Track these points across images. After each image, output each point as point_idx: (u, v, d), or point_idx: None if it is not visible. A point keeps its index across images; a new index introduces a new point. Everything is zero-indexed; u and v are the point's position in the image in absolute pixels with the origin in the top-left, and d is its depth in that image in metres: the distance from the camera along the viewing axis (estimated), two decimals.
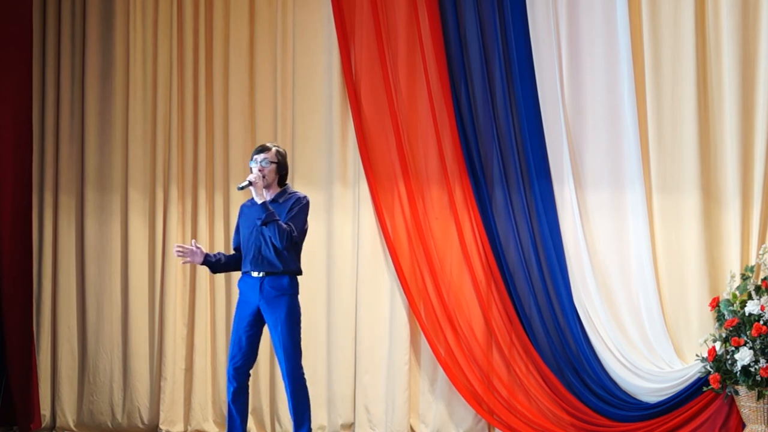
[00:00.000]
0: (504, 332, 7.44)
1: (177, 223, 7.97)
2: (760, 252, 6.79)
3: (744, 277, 6.78)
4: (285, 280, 6.27)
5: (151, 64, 8.02)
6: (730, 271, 6.87)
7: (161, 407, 7.86)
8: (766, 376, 6.47)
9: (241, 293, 6.40)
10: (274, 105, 7.94)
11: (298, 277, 6.38)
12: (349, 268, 7.72)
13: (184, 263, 6.53)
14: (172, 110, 7.99)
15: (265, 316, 6.29)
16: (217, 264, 6.49)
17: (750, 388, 6.55)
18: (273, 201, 6.30)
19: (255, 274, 6.29)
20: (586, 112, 7.38)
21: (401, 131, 7.66)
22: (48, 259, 7.97)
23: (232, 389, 6.36)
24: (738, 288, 6.76)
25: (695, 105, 7.07)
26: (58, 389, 7.96)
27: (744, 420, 6.69)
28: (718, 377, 6.62)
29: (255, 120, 7.98)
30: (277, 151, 6.37)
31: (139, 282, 7.95)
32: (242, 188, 6.26)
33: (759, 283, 6.73)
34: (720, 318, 6.77)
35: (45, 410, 7.91)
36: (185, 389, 7.91)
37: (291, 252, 6.27)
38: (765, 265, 6.76)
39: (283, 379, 6.31)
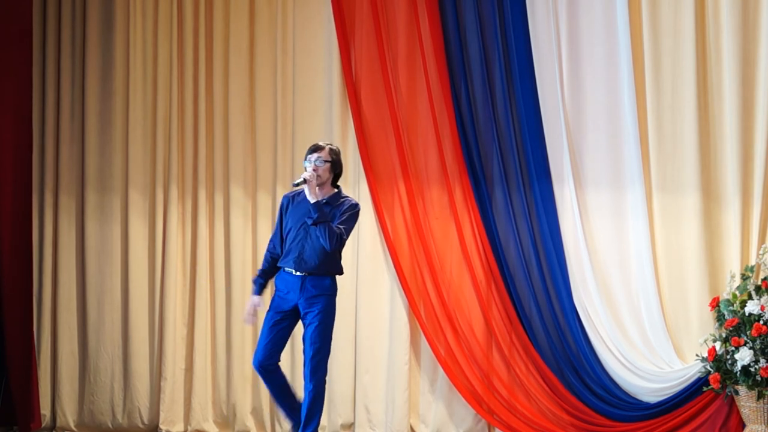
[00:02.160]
0: (504, 332, 7.44)
1: (177, 224, 7.97)
2: (760, 252, 6.79)
3: (744, 277, 6.78)
4: (327, 281, 6.27)
5: (151, 64, 8.02)
6: (730, 271, 6.87)
7: (161, 407, 7.86)
8: (766, 376, 6.47)
9: (278, 290, 6.36)
10: (274, 105, 7.94)
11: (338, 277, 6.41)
12: (349, 268, 7.69)
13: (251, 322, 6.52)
14: (172, 110, 7.99)
15: (302, 313, 6.27)
16: (263, 279, 6.46)
17: (750, 388, 6.55)
18: (327, 203, 6.25)
19: (296, 272, 6.26)
20: (586, 112, 7.38)
21: (401, 131, 7.66)
22: (48, 260, 7.97)
23: (262, 378, 6.37)
24: (738, 288, 6.76)
25: (695, 105, 7.07)
26: (58, 389, 7.96)
27: (744, 420, 6.69)
28: (718, 377, 6.62)
29: (255, 120, 7.98)
30: (331, 150, 6.32)
31: (140, 282, 7.96)
32: (297, 185, 6.27)
33: (759, 283, 6.73)
34: (720, 318, 6.77)
35: (45, 410, 7.92)
36: (185, 389, 7.92)
37: (336, 254, 6.27)
38: (765, 265, 6.76)
39: (304, 375, 6.28)
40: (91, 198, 8.01)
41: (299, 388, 7.76)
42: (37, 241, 7.94)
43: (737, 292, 6.75)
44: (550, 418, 7.30)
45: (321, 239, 6.17)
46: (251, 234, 7.92)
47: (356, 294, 7.72)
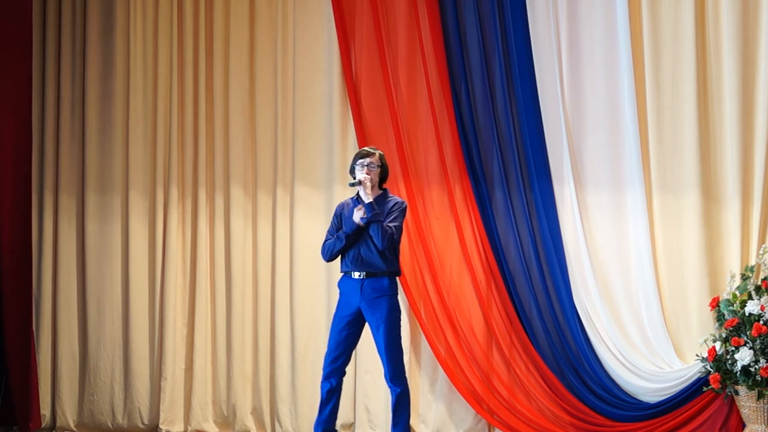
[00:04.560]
0: (504, 332, 7.44)
1: (177, 224, 7.97)
2: (760, 252, 6.79)
3: (744, 277, 6.78)
4: (385, 281, 6.40)
5: (151, 64, 8.02)
6: (730, 271, 6.87)
7: (161, 407, 7.86)
8: (766, 376, 6.47)
9: (342, 294, 6.51)
10: (274, 105, 7.94)
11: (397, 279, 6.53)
12: None
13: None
14: (172, 110, 7.99)
15: (367, 317, 6.42)
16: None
17: (750, 388, 6.55)
18: (372, 202, 6.39)
19: (356, 275, 6.41)
20: (586, 112, 7.38)
21: (401, 131, 7.66)
22: (48, 260, 7.97)
23: (327, 388, 6.45)
24: (738, 288, 6.76)
25: (695, 105, 7.07)
26: (58, 389, 7.96)
27: (744, 420, 6.69)
28: (718, 377, 6.62)
29: (255, 120, 7.98)
30: (381, 155, 6.52)
31: (140, 282, 7.96)
32: (352, 185, 6.42)
33: (759, 283, 6.73)
34: (720, 318, 6.77)
35: (45, 410, 7.92)
36: (185, 389, 7.92)
37: (391, 253, 6.41)
38: (765, 265, 6.76)
39: (386, 378, 6.39)
40: (91, 198, 8.01)
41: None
42: (37, 241, 7.94)
43: (737, 292, 6.75)
44: (550, 418, 7.30)
45: (374, 238, 6.33)
46: (251, 234, 7.92)
47: None
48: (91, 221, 8.01)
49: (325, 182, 7.82)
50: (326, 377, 6.47)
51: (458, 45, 7.58)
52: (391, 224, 6.36)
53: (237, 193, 7.92)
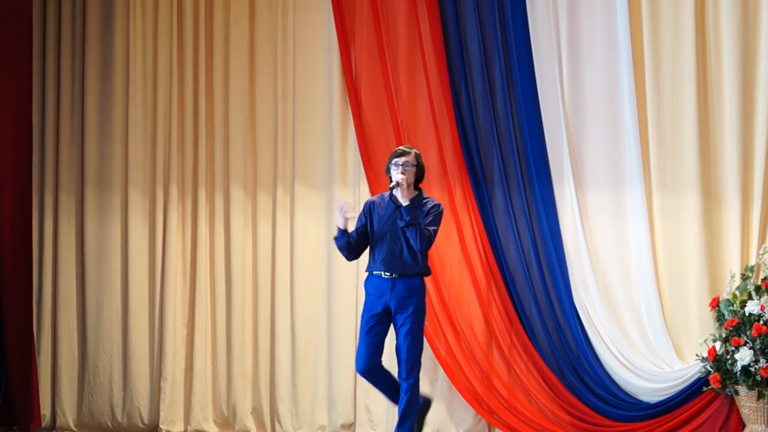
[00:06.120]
0: (504, 332, 7.44)
1: (177, 224, 7.97)
2: (760, 252, 6.79)
3: (744, 277, 6.79)
4: (417, 281, 6.36)
5: (151, 64, 8.02)
6: (730, 271, 6.87)
7: (161, 407, 7.86)
8: (766, 375, 6.48)
9: (368, 294, 6.44)
10: (274, 105, 7.94)
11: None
12: (349, 268, 7.70)
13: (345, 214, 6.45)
14: (172, 110, 7.99)
15: (394, 314, 6.36)
16: (347, 236, 6.44)
17: (750, 388, 6.55)
18: (410, 204, 6.34)
19: (386, 274, 6.35)
20: (586, 112, 7.39)
21: (401, 131, 7.66)
22: (48, 260, 7.97)
23: (368, 381, 6.44)
24: (738, 288, 6.76)
25: (695, 105, 7.08)
26: (58, 389, 7.96)
27: (744, 420, 6.70)
28: (718, 377, 6.62)
29: (255, 120, 7.98)
30: (417, 155, 6.45)
31: (139, 282, 7.95)
32: (392, 188, 6.34)
33: (759, 283, 6.73)
34: (720, 318, 6.77)
35: (45, 410, 7.91)
36: (185, 389, 7.92)
37: (423, 255, 6.35)
38: (765, 265, 6.76)
39: (400, 377, 6.34)
40: (90, 197, 8.01)
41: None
42: (37, 241, 7.94)
43: (737, 292, 6.75)
44: (550, 418, 7.30)
45: (411, 240, 6.27)
46: (251, 234, 7.92)
47: (357, 294, 7.71)
48: (90, 221, 8.01)
49: (325, 182, 7.82)
50: (359, 374, 6.42)
51: (458, 45, 7.58)
52: (429, 227, 6.30)
53: (237, 193, 7.92)
